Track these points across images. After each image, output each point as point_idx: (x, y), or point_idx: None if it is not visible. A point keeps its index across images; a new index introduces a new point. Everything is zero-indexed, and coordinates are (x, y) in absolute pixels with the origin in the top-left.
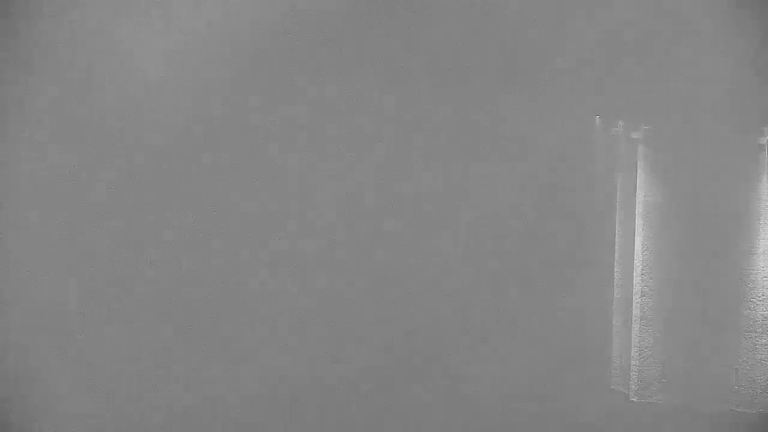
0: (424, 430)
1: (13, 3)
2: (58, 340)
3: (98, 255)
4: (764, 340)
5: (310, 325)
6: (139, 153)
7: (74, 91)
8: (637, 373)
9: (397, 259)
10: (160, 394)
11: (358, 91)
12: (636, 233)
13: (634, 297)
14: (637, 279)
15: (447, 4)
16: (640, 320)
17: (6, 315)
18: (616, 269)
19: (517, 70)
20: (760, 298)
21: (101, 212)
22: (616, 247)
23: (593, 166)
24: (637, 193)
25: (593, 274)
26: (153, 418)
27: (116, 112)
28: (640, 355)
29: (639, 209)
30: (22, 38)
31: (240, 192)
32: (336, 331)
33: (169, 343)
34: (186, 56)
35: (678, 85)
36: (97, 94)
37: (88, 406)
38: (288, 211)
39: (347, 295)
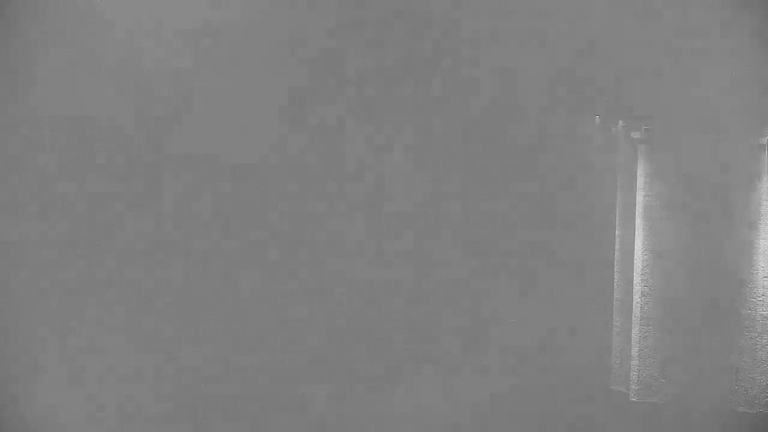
0: (423, 430)
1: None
2: (57, 340)
3: (98, 256)
4: (764, 340)
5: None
6: (138, 152)
7: (74, 91)
8: (637, 373)
9: (397, 258)
10: (162, 393)
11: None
12: (636, 233)
13: (634, 297)
14: (637, 279)
15: (450, 2)
16: (640, 320)
17: (6, 316)
18: (616, 269)
19: (518, 70)
20: (760, 298)
21: (101, 213)
22: (616, 247)
23: (593, 166)
24: (637, 193)
25: (593, 275)
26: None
27: (116, 110)
28: (640, 355)
29: (639, 209)
30: (21, 40)
31: (238, 192)
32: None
33: (171, 341)
34: (187, 56)
35: (678, 86)
36: (98, 94)
37: (87, 405)
38: (287, 213)
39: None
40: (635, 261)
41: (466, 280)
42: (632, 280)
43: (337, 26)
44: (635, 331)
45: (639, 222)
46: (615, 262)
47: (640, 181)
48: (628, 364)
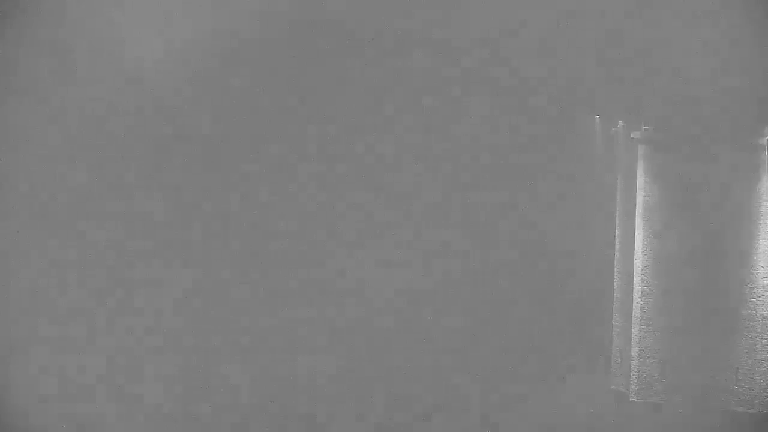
0: (424, 429)
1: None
2: (58, 342)
3: (99, 257)
4: (764, 340)
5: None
6: (135, 153)
7: (74, 92)
8: (637, 373)
9: (397, 260)
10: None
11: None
12: (636, 233)
13: (634, 297)
14: (637, 279)
15: (449, 5)
16: (640, 320)
17: (7, 316)
18: (616, 269)
19: (519, 72)
20: (760, 298)
21: (101, 216)
22: (616, 247)
23: (593, 166)
24: (637, 193)
25: (593, 275)
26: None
27: (115, 112)
28: (640, 355)
29: (639, 209)
30: (22, 42)
31: (239, 194)
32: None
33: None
34: (183, 60)
35: (678, 86)
36: (97, 96)
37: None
38: (289, 215)
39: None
40: (635, 261)
41: (466, 279)
42: (632, 280)
43: (339, 23)
44: (635, 331)
45: (639, 222)
46: (615, 262)
47: (640, 181)
48: (628, 364)
